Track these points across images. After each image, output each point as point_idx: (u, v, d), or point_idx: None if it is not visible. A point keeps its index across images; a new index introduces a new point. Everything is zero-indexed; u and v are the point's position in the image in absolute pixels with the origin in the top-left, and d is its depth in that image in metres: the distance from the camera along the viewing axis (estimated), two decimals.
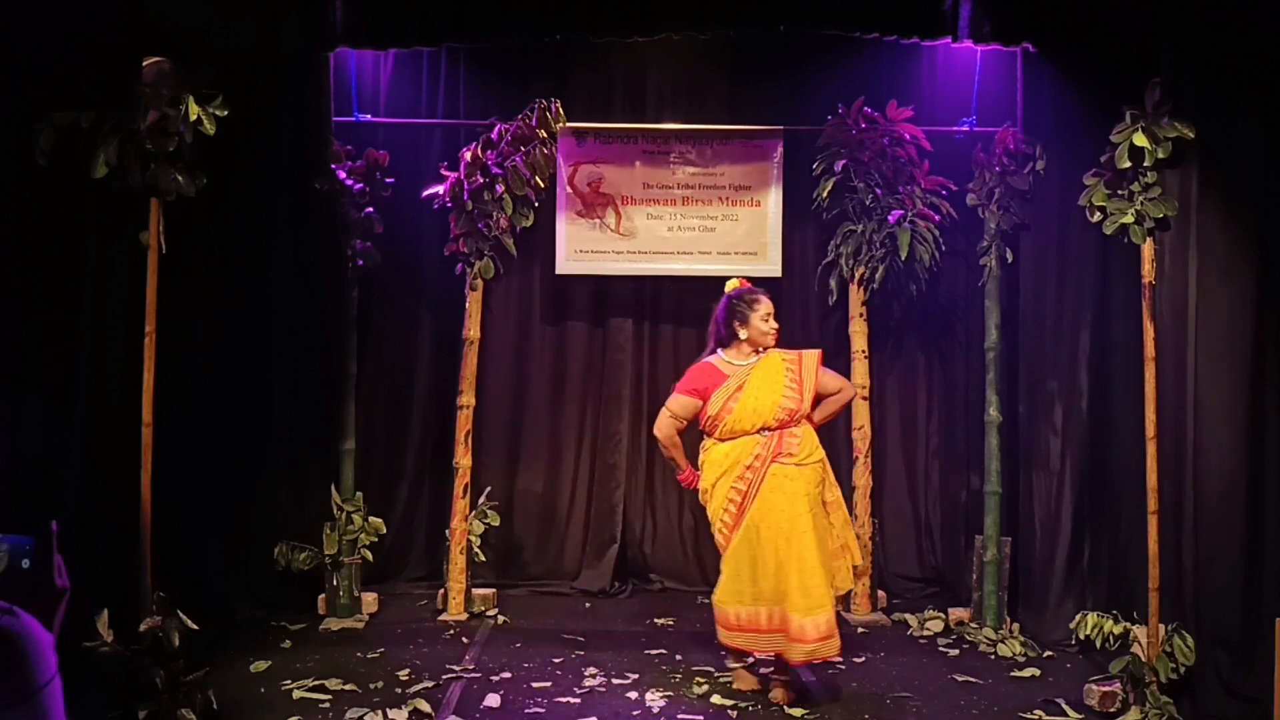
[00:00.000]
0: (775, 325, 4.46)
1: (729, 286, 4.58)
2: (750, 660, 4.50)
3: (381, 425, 6.18)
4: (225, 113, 4.12)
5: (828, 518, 4.38)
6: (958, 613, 5.58)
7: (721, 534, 4.37)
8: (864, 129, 5.66)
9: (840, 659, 4.46)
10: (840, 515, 4.46)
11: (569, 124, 5.75)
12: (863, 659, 4.98)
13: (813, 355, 4.46)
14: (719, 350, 4.49)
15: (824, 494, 4.40)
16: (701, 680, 4.61)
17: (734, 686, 4.49)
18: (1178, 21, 4.44)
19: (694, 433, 4.55)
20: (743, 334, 4.41)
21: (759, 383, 4.36)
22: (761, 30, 5.40)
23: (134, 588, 4.02)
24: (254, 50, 4.66)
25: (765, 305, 4.45)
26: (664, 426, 4.49)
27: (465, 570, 5.64)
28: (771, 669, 4.44)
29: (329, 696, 4.33)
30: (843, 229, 5.77)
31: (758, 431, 4.33)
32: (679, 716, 4.19)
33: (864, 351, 5.84)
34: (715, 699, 4.37)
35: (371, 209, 5.67)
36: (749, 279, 5.07)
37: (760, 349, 4.43)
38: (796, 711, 4.23)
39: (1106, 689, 4.34)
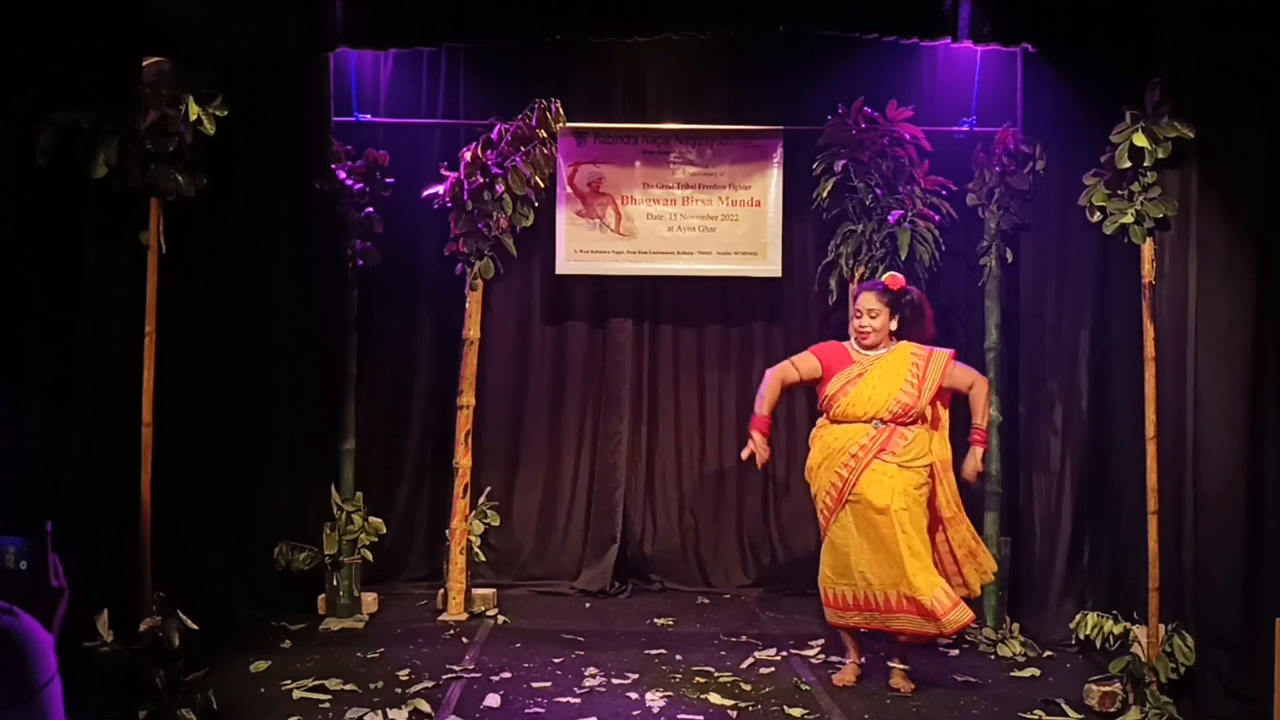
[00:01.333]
0: (868, 324, 4.54)
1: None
2: (858, 659, 4.63)
3: (381, 425, 6.18)
4: (225, 113, 4.11)
5: (931, 518, 4.49)
6: None
7: (823, 515, 4.56)
8: (864, 129, 5.65)
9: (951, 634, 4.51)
10: (965, 526, 4.60)
11: (569, 124, 5.75)
12: (863, 659, 4.97)
13: (943, 355, 4.56)
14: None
15: (940, 504, 4.53)
16: (701, 680, 4.61)
17: (834, 679, 4.61)
18: (1178, 21, 4.44)
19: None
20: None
21: (880, 373, 4.50)
22: (761, 30, 5.40)
23: (134, 588, 4.02)
24: (254, 50, 4.66)
25: (863, 300, 4.60)
26: (777, 368, 4.66)
27: (465, 570, 5.64)
28: (892, 658, 4.58)
29: (329, 696, 4.32)
30: (843, 229, 5.77)
31: (869, 420, 4.45)
32: (679, 716, 4.19)
33: None
34: (715, 699, 4.37)
35: (371, 209, 5.67)
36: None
37: (877, 346, 4.54)
38: (796, 711, 4.23)
39: (1106, 689, 4.33)
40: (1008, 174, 5.54)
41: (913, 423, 4.49)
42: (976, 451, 4.60)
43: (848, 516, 4.45)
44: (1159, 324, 4.35)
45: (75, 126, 3.92)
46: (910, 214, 5.60)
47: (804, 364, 4.62)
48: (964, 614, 4.34)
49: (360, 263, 5.67)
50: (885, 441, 4.44)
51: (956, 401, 4.72)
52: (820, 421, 4.64)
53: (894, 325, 4.58)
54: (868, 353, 4.55)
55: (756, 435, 4.59)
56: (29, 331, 4.08)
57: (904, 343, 4.59)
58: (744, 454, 4.66)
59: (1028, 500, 5.43)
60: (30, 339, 4.09)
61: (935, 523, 4.54)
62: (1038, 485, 5.36)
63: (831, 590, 4.52)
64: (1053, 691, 4.54)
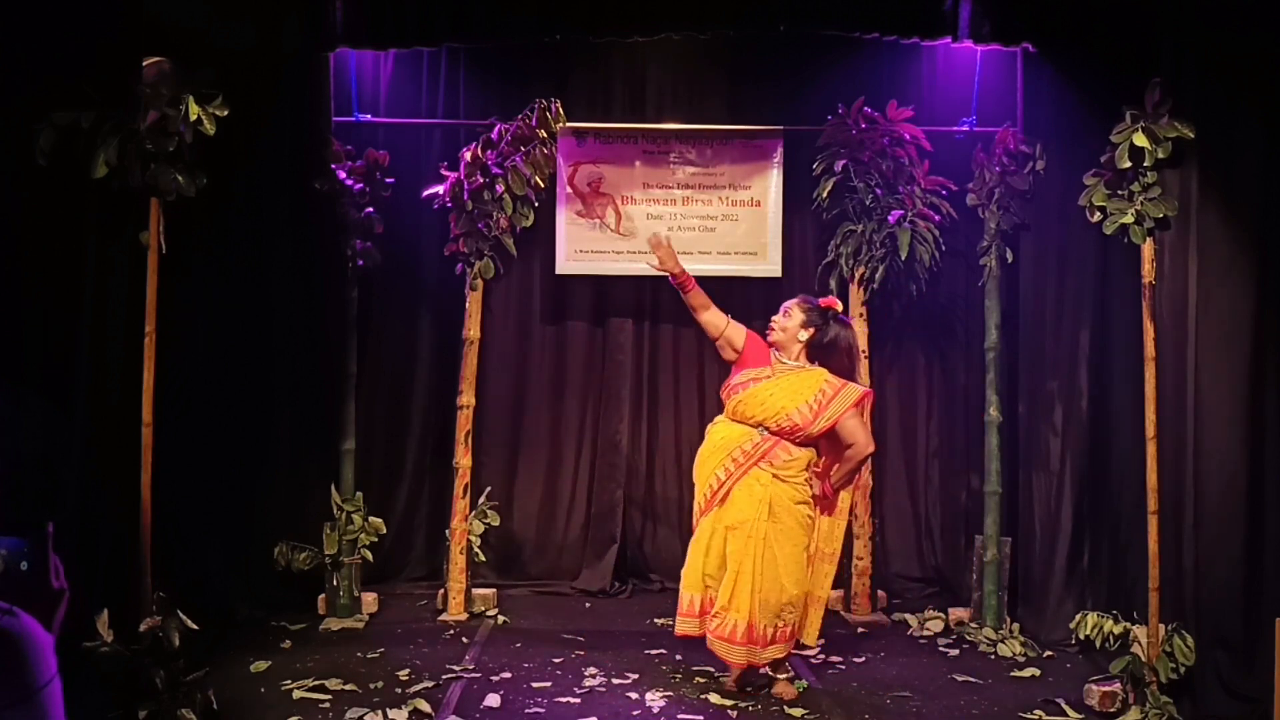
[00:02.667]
0: (777, 319, 4.50)
1: None
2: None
3: (381, 425, 6.18)
4: (225, 113, 4.11)
5: (805, 535, 4.37)
6: (958, 613, 5.58)
7: (697, 511, 4.48)
8: (864, 129, 5.65)
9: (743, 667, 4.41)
10: (828, 570, 4.49)
11: (569, 124, 5.75)
12: (863, 659, 4.98)
13: (854, 391, 4.37)
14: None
15: (816, 540, 4.44)
16: (702, 680, 4.61)
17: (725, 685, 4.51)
18: (1178, 21, 4.44)
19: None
20: None
21: (786, 384, 4.36)
22: (761, 30, 5.40)
23: (134, 588, 4.02)
24: (254, 50, 4.66)
25: (788, 302, 4.56)
26: (718, 312, 4.56)
27: (465, 570, 5.64)
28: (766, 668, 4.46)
29: (329, 696, 4.33)
30: (843, 229, 5.77)
31: (756, 426, 4.35)
32: (679, 716, 4.19)
33: (864, 351, 5.83)
34: (715, 699, 4.37)
35: (371, 209, 5.67)
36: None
37: (779, 347, 4.47)
38: (796, 711, 4.24)
39: (1106, 689, 4.34)
40: (1008, 174, 5.54)
41: (801, 445, 4.36)
42: (821, 522, 4.44)
43: (715, 522, 4.36)
44: (1159, 324, 4.35)
45: (75, 126, 3.92)
46: (910, 214, 5.60)
47: (734, 330, 4.50)
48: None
49: (360, 263, 5.66)
50: (767, 450, 4.33)
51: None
52: (717, 420, 4.54)
53: (803, 335, 4.42)
54: (784, 362, 4.43)
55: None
56: (29, 331, 4.08)
57: (824, 370, 4.41)
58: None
59: (1027, 500, 5.43)
60: (30, 339, 4.09)
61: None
62: (1038, 485, 5.36)
63: (682, 594, 4.44)
64: (1053, 691, 4.54)
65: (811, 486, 4.38)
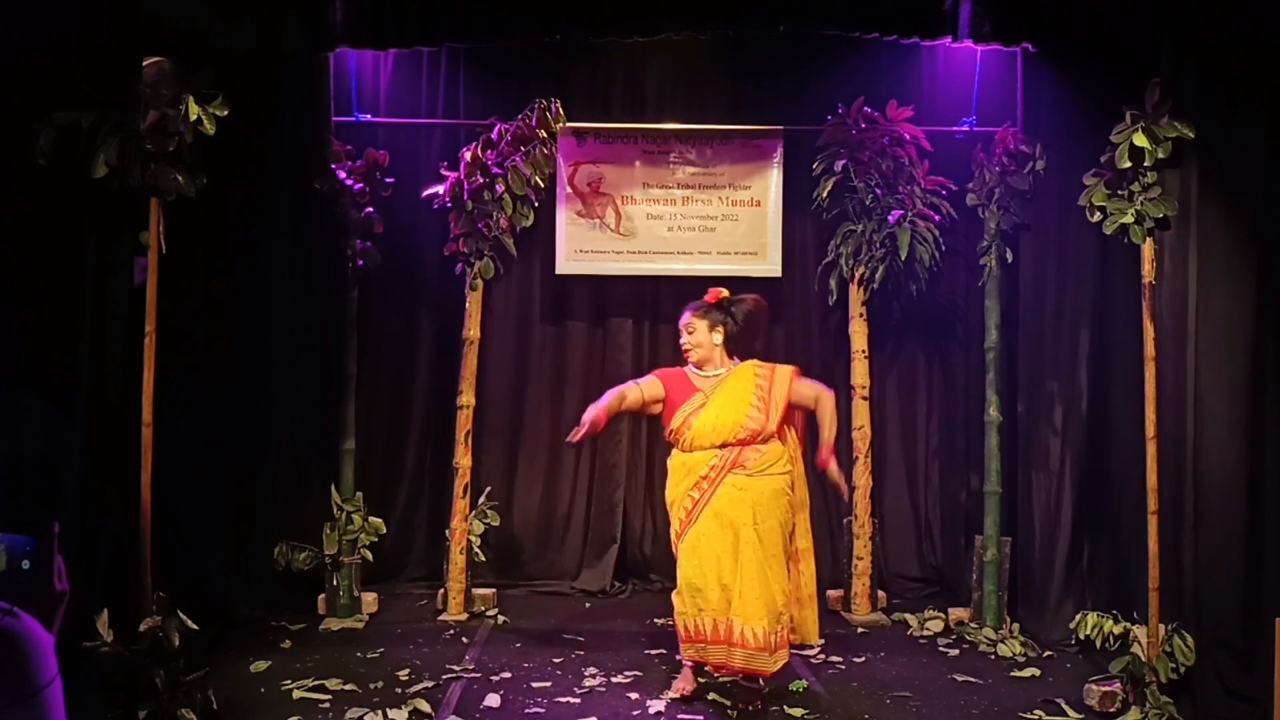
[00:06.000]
0: (687, 340, 4.39)
1: None
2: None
3: (381, 425, 6.19)
4: (225, 113, 4.11)
5: (786, 534, 4.28)
6: (958, 613, 5.58)
7: (676, 536, 4.35)
8: (864, 129, 5.66)
9: (769, 676, 4.28)
10: (809, 568, 4.42)
11: (569, 124, 5.75)
12: (863, 659, 4.98)
13: (785, 371, 4.37)
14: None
15: (794, 523, 4.36)
16: (701, 680, 4.61)
17: (675, 688, 4.41)
18: (1178, 21, 4.44)
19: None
20: None
21: (724, 399, 4.30)
22: (761, 30, 5.40)
23: (134, 588, 4.02)
24: (254, 50, 4.66)
25: (683, 318, 4.44)
26: (619, 387, 4.43)
27: (465, 570, 5.64)
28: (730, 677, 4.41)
29: (329, 696, 4.33)
30: (843, 229, 5.78)
31: (721, 447, 4.26)
32: (679, 716, 4.19)
33: (864, 351, 5.84)
34: (715, 699, 4.37)
35: (371, 209, 5.67)
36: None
37: (701, 363, 4.38)
38: (796, 711, 4.23)
39: (1106, 689, 4.34)
40: (1008, 174, 5.54)
41: (764, 443, 4.27)
42: (831, 470, 4.33)
43: (695, 538, 4.24)
44: (1159, 324, 4.35)
45: (75, 126, 3.92)
46: (910, 214, 5.60)
47: (649, 387, 4.39)
48: (763, 661, 4.13)
49: (360, 263, 5.67)
50: (736, 459, 4.23)
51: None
52: (673, 453, 4.42)
53: (718, 338, 4.36)
54: (707, 376, 4.36)
55: (588, 423, 4.25)
56: (29, 331, 4.08)
57: (748, 362, 4.39)
58: (572, 438, 4.30)
59: (1027, 500, 5.43)
60: (30, 339, 4.09)
61: (791, 555, 4.35)
62: (1037, 485, 5.36)
63: (684, 620, 4.28)
64: (1053, 691, 4.54)
65: (793, 479, 4.34)
